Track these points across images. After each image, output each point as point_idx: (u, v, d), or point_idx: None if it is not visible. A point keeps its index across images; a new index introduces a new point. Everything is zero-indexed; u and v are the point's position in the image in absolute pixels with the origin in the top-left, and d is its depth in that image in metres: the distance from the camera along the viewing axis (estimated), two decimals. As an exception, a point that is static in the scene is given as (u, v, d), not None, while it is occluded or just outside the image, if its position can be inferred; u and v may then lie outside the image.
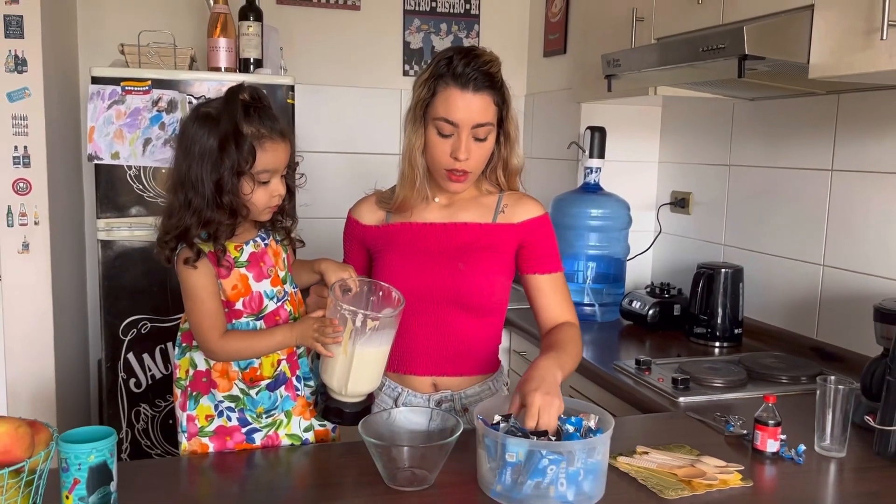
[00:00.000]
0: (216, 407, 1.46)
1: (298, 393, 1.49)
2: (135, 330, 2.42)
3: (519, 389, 1.27)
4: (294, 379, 1.49)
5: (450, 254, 1.51)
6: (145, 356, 2.44)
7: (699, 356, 2.16)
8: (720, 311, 2.27)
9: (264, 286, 1.44)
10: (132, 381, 2.44)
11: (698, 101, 2.52)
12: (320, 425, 1.53)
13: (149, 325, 2.42)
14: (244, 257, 1.42)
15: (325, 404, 1.43)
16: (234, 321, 1.42)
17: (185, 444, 1.47)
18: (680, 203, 2.72)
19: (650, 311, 2.43)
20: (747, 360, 2.02)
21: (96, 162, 2.35)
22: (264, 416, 1.46)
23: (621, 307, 2.55)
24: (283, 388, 1.47)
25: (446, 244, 1.52)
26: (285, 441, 1.49)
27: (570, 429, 1.21)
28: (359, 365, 1.37)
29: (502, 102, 1.45)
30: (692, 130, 2.70)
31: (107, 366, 2.42)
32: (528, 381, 1.27)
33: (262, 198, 1.37)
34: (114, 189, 2.37)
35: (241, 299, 1.41)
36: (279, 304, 1.45)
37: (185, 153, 1.34)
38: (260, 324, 1.43)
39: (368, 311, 1.36)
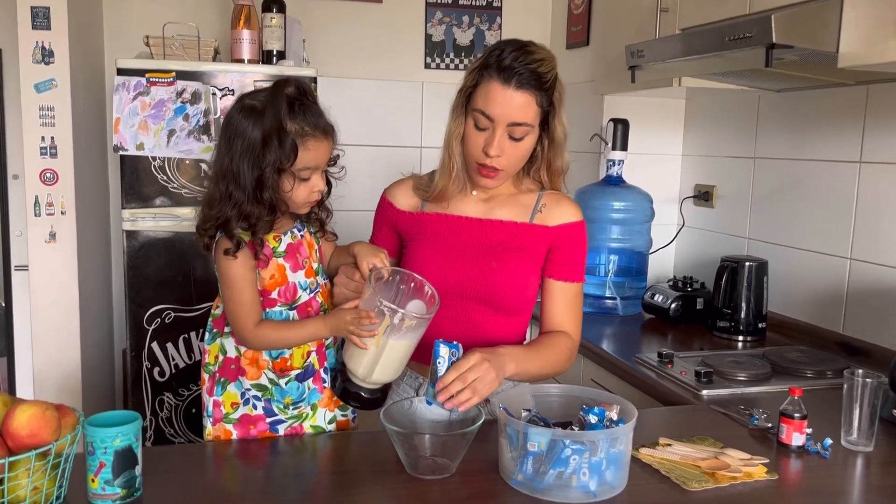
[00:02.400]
0: (242, 395, 1.47)
1: (325, 385, 1.50)
2: (159, 319, 2.44)
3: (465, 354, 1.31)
4: (322, 371, 1.49)
5: (483, 250, 1.50)
6: (169, 345, 2.46)
7: (722, 350, 2.14)
8: (744, 305, 2.25)
9: (299, 277, 1.44)
10: (156, 370, 2.47)
11: (723, 92, 2.49)
12: (342, 415, 1.54)
13: (172, 314, 2.45)
14: (282, 247, 1.43)
15: (344, 386, 1.43)
16: (267, 310, 1.43)
17: (209, 428, 1.48)
18: (703, 196, 2.69)
19: (673, 305, 2.41)
20: (772, 354, 2.00)
21: (121, 153, 2.37)
22: (291, 407, 1.47)
23: (643, 301, 2.53)
24: (311, 379, 1.48)
25: (481, 240, 1.51)
26: (309, 432, 1.50)
27: (593, 419, 1.20)
28: (388, 357, 1.36)
29: (549, 104, 1.41)
30: (716, 123, 2.67)
31: (131, 355, 2.45)
32: (477, 351, 1.31)
33: (302, 194, 1.38)
34: (138, 180, 2.39)
35: (278, 289, 1.42)
36: (312, 295, 1.46)
37: (227, 145, 1.35)
38: (293, 314, 1.44)
39: (407, 310, 1.35)
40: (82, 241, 2.50)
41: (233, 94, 2.38)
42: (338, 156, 1.44)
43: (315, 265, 1.48)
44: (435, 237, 1.52)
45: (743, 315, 2.25)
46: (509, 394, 1.31)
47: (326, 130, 1.37)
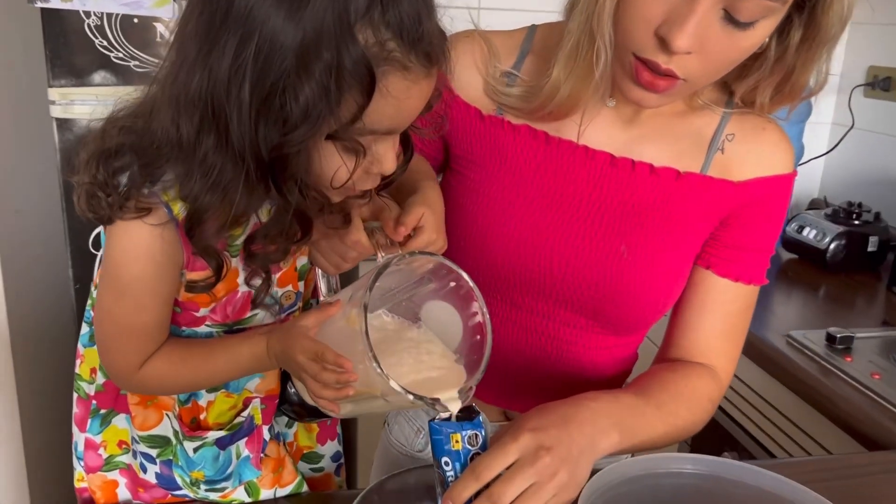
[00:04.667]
0: (133, 440, 0.84)
1: (265, 454, 0.84)
2: (111, 241, 1.80)
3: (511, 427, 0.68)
4: (266, 429, 0.83)
5: (609, 218, 0.82)
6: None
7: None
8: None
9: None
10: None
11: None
12: (313, 469, 0.90)
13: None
14: (243, 237, 0.73)
15: (290, 405, 0.80)
16: (184, 329, 0.77)
17: (80, 474, 0.87)
18: (882, 84, 1.88)
19: (832, 245, 1.69)
20: None
21: (40, 5, 1.66)
22: (202, 485, 0.82)
23: (785, 235, 1.79)
24: (243, 442, 0.82)
25: (609, 198, 0.82)
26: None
27: None
28: (361, 410, 0.71)
29: None
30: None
31: (75, 287, 1.83)
32: (530, 418, 0.69)
33: (345, 176, 0.65)
34: (68, 46, 1.69)
35: (214, 304, 0.76)
36: (283, 313, 0.80)
37: (213, 39, 0.60)
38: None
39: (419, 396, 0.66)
40: None
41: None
42: (440, 94, 0.69)
43: (300, 262, 0.80)
44: (517, 176, 0.83)
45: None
46: None
47: (432, 56, 0.62)
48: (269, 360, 0.74)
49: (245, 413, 0.81)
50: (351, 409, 0.72)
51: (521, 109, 0.81)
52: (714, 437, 1.47)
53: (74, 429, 0.86)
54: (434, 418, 0.64)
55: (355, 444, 1.89)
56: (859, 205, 1.74)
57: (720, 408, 1.46)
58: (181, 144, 0.62)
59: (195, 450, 0.80)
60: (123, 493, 0.86)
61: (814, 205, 1.97)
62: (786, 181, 0.84)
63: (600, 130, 0.82)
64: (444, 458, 0.63)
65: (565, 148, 0.81)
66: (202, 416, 0.81)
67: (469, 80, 0.84)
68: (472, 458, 0.63)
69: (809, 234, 1.73)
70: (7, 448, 1.77)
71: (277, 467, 0.85)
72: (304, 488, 0.88)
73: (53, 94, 1.73)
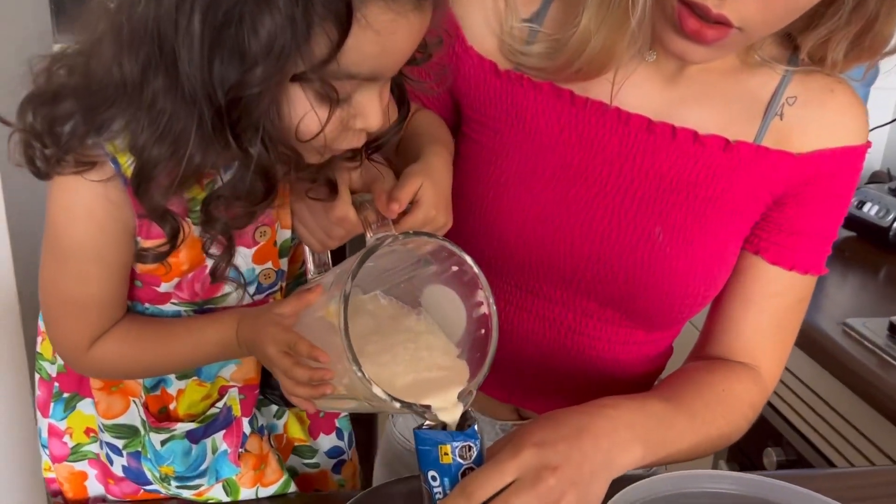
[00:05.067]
0: (99, 428, 0.76)
1: (245, 449, 0.75)
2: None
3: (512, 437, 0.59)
4: (246, 422, 0.74)
5: (643, 195, 0.70)
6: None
7: None
8: None
9: (237, 259, 0.67)
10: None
11: None
12: (308, 465, 0.83)
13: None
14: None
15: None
16: (146, 305, 0.69)
17: (47, 463, 0.79)
18: (959, 45, 1.69)
19: (895, 223, 1.52)
20: None
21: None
22: (173, 481, 0.73)
23: (843, 211, 1.63)
24: (220, 434, 0.73)
25: (643, 170, 0.70)
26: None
27: None
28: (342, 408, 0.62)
29: None
30: None
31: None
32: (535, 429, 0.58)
33: (328, 130, 0.55)
34: (73, -2, 1.61)
35: (178, 279, 0.67)
36: (261, 294, 0.71)
37: None
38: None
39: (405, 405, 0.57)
40: None
41: None
42: (441, 40, 0.61)
43: (284, 237, 0.71)
44: (536, 143, 0.71)
45: None
46: None
47: None
48: (237, 348, 0.65)
49: (220, 404, 0.72)
50: (329, 407, 0.62)
51: (545, 69, 0.70)
52: (756, 430, 1.35)
53: (38, 414, 0.79)
54: (421, 426, 0.53)
55: (376, 438, 1.80)
56: (928, 179, 1.58)
57: (765, 399, 1.34)
58: (125, 86, 0.53)
59: (163, 442, 0.72)
60: (94, 486, 0.79)
61: (876, 178, 1.80)
62: (856, 154, 0.71)
63: (636, 90, 0.70)
64: (432, 472, 0.53)
65: (594, 110, 0.70)
66: (172, 406, 0.72)
67: (483, 34, 0.72)
68: (463, 474, 0.53)
69: (871, 210, 1.58)
70: (21, 430, 1.72)
71: (259, 464, 0.76)
72: (292, 488, 0.79)
73: (58, 49, 1.65)
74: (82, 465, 0.78)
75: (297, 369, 0.57)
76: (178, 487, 0.74)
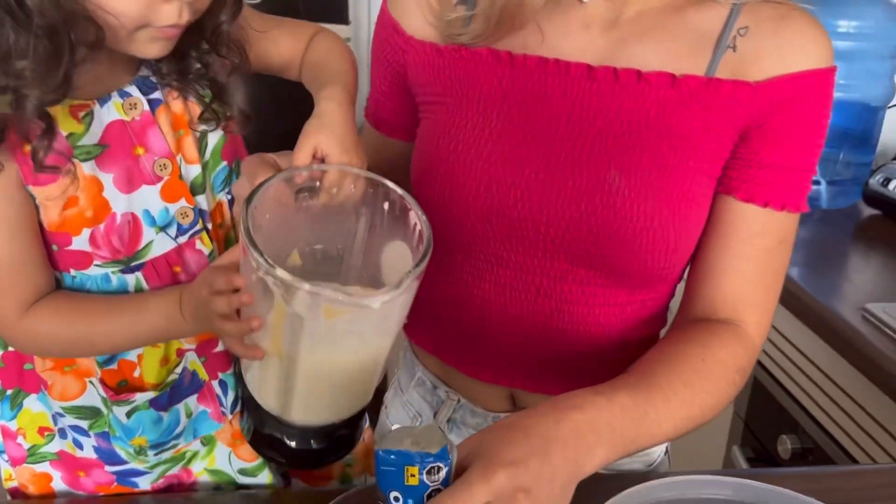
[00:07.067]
0: (54, 418, 0.75)
1: (224, 411, 0.73)
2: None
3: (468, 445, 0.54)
4: (216, 384, 0.72)
5: (594, 142, 0.68)
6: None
7: None
8: None
9: (145, 199, 0.66)
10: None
11: None
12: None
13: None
14: (94, 137, 0.63)
15: (252, 425, 0.66)
16: (73, 273, 0.67)
17: (7, 470, 0.79)
18: None
19: (922, 202, 1.46)
20: None
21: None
22: (150, 451, 0.72)
23: (867, 188, 1.58)
24: (193, 398, 0.73)
25: (590, 116, 0.68)
26: (204, 479, 0.77)
27: None
28: (311, 378, 0.60)
29: None
30: None
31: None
32: (503, 445, 0.53)
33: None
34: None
35: (88, 230, 0.65)
36: (183, 236, 0.69)
37: None
38: (134, 279, 0.68)
39: (326, 286, 0.54)
40: None
41: None
42: None
43: (192, 171, 0.68)
44: (482, 108, 0.70)
45: None
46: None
47: None
48: (183, 321, 0.64)
49: (178, 369, 0.72)
50: (274, 363, 0.59)
51: (483, 35, 0.68)
52: (772, 417, 1.31)
53: None
54: (382, 446, 0.50)
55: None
56: (958, 155, 1.52)
57: (779, 384, 1.30)
58: None
59: (128, 414, 0.71)
60: (60, 487, 0.77)
61: (903, 154, 1.74)
62: (820, 78, 0.67)
63: (576, 38, 0.68)
64: (394, 493, 0.50)
65: (534, 66, 0.68)
66: (136, 374, 0.71)
67: (422, 26, 0.72)
68: (430, 495, 0.50)
69: (896, 187, 1.52)
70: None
71: (237, 439, 0.76)
72: (267, 472, 0.77)
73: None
74: (44, 467, 0.77)
75: (218, 299, 0.58)
76: (155, 455, 0.74)
